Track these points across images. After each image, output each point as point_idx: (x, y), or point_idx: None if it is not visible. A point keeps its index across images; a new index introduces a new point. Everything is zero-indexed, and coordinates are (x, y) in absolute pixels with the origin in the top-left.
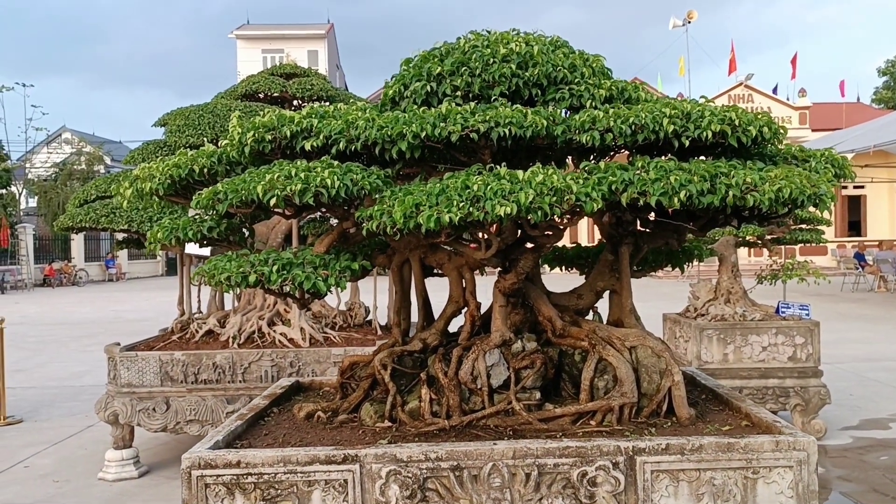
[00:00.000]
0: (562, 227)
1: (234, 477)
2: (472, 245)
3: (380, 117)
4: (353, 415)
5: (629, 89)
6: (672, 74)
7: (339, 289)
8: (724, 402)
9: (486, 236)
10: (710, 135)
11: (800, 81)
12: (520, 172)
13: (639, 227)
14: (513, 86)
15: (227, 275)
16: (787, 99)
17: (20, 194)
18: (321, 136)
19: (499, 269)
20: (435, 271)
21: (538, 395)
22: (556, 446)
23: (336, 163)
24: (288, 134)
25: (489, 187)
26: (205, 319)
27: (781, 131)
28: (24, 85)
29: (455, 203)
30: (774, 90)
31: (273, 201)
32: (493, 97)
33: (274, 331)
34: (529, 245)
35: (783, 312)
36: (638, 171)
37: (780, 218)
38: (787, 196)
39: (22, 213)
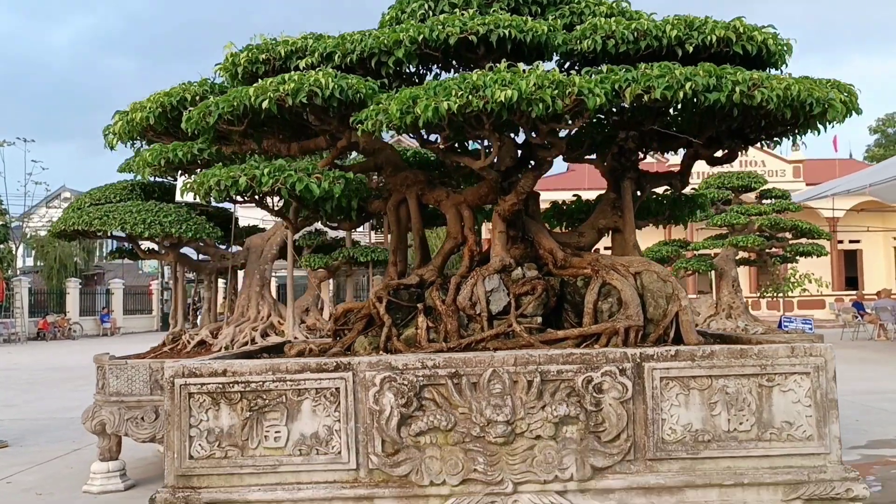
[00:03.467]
0: (563, 133)
1: (220, 386)
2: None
3: (376, 31)
4: (346, 351)
5: (629, 11)
6: None
7: (343, 220)
8: (735, 340)
9: (485, 142)
10: (714, 39)
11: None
12: (521, 65)
13: (641, 169)
14: (512, 2)
15: (216, 179)
16: (780, 153)
17: (16, 249)
18: (316, 55)
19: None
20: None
21: (539, 320)
22: (559, 353)
23: (331, 69)
24: (282, 53)
25: (489, 77)
26: (197, 331)
27: (786, 49)
28: (24, 140)
29: (454, 93)
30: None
31: (265, 104)
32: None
33: (267, 341)
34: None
35: (786, 326)
36: (642, 70)
37: (789, 132)
38: (795, 95)
39: (19, 272)
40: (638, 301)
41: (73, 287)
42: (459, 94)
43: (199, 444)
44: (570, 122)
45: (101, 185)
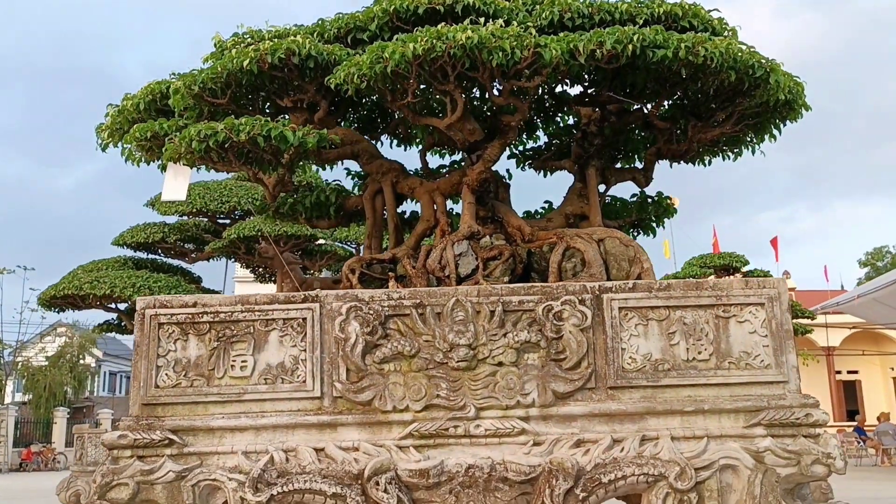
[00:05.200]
0: (526, 91)
1: (189, 316)
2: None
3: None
4: None
5: None
6: (657, 257)
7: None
8: None
9: (450, 97)
10: (661, 13)
11: (783, 264)
12: (482, 20)
13: (605, 164)
14: None
15: (197, 129)
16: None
17: (6, 379)
18: (298, 37)
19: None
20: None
21: (507, 281)
22: (521, 286)
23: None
24: (267, 38)
25: (452, 28)
26: None
27: (730, 33)
28: (24, 268)
29: (420, 39)
30: None
31: (246, 63)
32: None
33: None
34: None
35: None
36: (594, 31)
37: (744, 113)
38: (735, 53)
39: (8, 404)
40: (601, 261)
41: (60, 417)
42: (424, 39)
43: (166, 374)
44: (529, 78)
45: (94, 260)
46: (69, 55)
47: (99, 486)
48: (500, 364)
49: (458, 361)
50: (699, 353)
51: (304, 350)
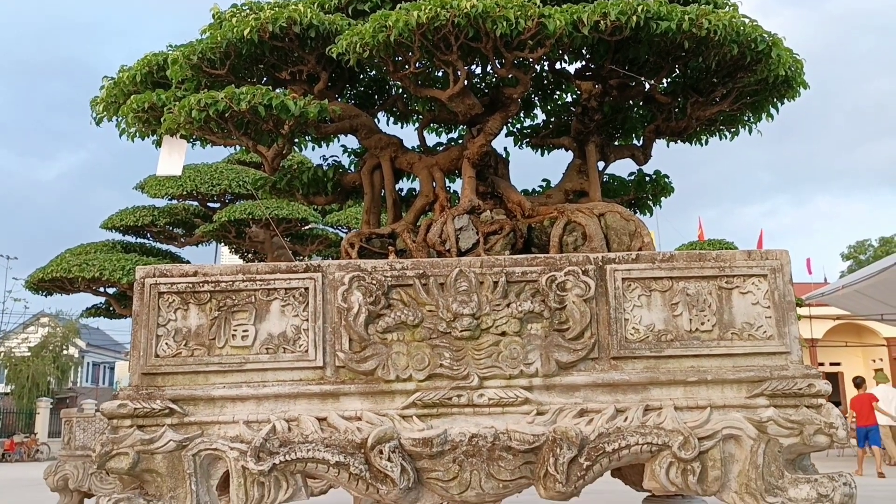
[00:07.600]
0: (529, 63)
1: (190, 285)
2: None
3: None
4: None
5: None
6: None
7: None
8: None
9: (453, 68)
10: None
11: None
12: None
13: (605, 140)
14: None
15: (197, 98)
16: None
17: None
18: (300, 6)
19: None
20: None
21: (507, 254)
22: (524, 257)
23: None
24: (266, 9)
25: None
26: None
27: (731, 7)
28: (7, 257)
29: (423, 7)
30: None
31: (247, 32)
32: None
33: None
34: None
35: None
36: (598, 2)
37: (745, 90)
38: (738, 26)
39: None
40: (602, 236)
41: (43, 407)
42: (429, 7)
43: (166, 343)
44: (532, 50)
45: (82, 243)
46: (53, 47)
47: (98, 456)
48: (504, 334)
49: (461, 331)
50: (702, 323)
51: (307, 320)
